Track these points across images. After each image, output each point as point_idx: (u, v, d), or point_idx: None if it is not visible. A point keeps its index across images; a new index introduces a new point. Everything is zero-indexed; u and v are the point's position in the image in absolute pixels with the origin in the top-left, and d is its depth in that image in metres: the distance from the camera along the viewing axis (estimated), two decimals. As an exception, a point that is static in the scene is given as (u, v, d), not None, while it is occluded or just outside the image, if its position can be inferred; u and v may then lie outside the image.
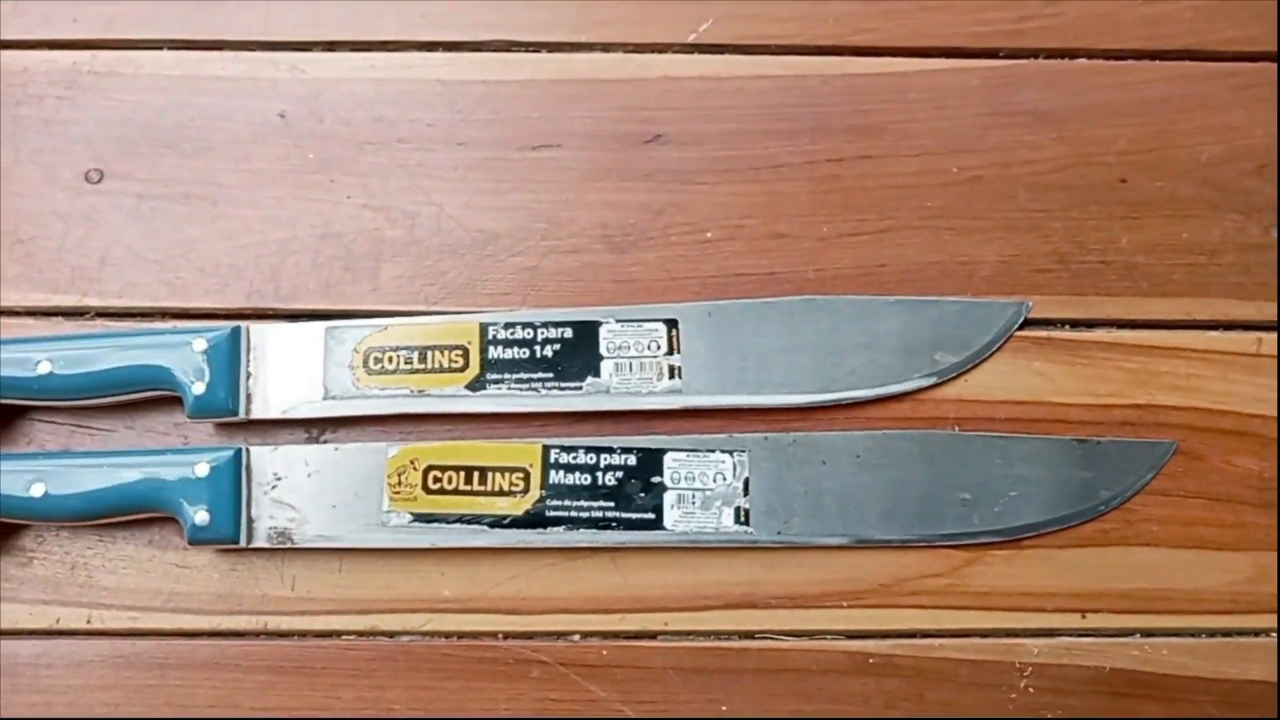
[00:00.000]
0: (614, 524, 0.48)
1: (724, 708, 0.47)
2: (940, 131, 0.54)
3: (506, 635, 0.48)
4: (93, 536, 0.49)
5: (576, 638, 0.48)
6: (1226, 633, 0.49)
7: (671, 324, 0.50)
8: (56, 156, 0.54)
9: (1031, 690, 0.48)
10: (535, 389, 0.49)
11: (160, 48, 0.55)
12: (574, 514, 0.48)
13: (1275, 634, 0.49)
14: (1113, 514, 0.50)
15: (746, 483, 0.48)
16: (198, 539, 0.46)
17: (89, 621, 0.48)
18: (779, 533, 0.48)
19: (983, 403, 0.51)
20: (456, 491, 0.48)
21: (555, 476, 0.48)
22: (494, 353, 0.50)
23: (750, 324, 0.50)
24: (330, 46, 0.55)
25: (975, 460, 0.49)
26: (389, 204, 0.53)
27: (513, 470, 0.48)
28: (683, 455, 0.48)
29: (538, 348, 0.50)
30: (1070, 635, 0.49)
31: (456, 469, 0.48)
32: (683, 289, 0.52)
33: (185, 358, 0.48)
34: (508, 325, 0.50)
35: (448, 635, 0.48)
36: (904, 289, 0.52)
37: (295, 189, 0.53)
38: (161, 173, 0.54)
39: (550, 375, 0.49)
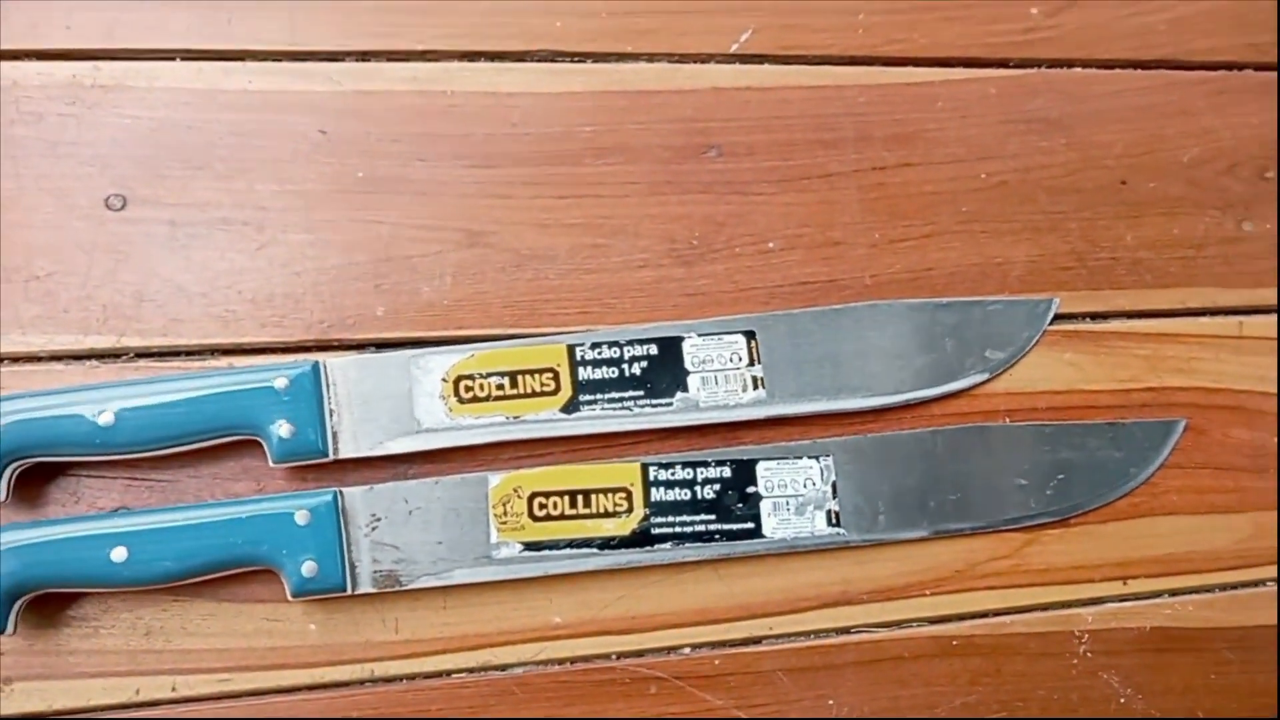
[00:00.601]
0: (717, 536, 0.49)
1: (830, 702, 0.50)
2: (967, 139, 0.57)
3: (620, 655, 0.49)
4: (167, 598, 0.46)
5: (687, 650, 0.49)
6: (1235, 585, 0.56)
7: (750, 335, 0.52)
8: (68, 182, 0.49)
9: (1089, 655, 0.53)
10: (628, 407, 0.50)
11: (172, 58, 0.51)
12: (678, 529, 0.49)
13: (1275, 583, 0.56)
14: (1140, 488, 0.55)
15: (834, 486, 0.51)
16: (305, 591, 0.44)
17: (174, 689, 0.45)
18: (868, 531, 0.51)
19: (1026, 394, 0.55)
20: (563, 517, 0.48)
21: (656, 494, 0.49)
22: (584, 374, 0.50)
23: (821, 331, 0.53)
24: (364, 56, 0.53)
25: (1027, 448, 0.54)
26: (449, 224, 0.51)
27: (615, 491, 0.49)
28: (773, 464, 0.50)
29: (625, 366, 0.50)
30: (1114, 601, 0.54)
31: (561, 494, 0.48)
32: (751, 299, 0.53)
33: (267, 399, 0.45)
34: (594, 345, 0.50)
35: (561, 662, 0.48)
36: (950, 290, 0.55)
37: (347, 210, 0.51)
38: (193, 197, 0.50)
39: (641, 393, 0.50)
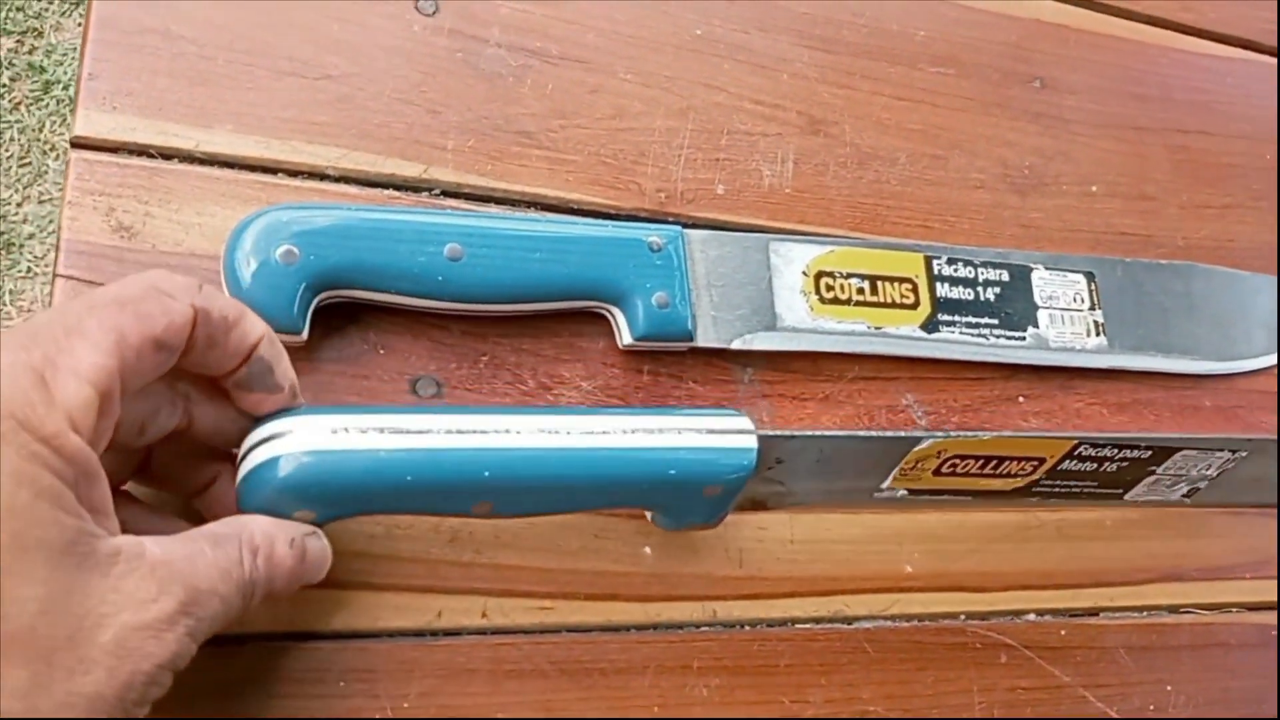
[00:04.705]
0: (1083, 494, 0.41)
1: (1169, 688, 0.43)
2: (1253, 119, 0.54)
3: (968, 616, 0.40)
4: (478, 496, 0.34)
5: (1033, 616, 0.41)
6: None
7: (1090, 277, 0.45)
8: (373, -30, 0.37)
9: (1381, 655, 0.48)
10: (984, 336, 0.42)
11: None
12: (1059, 490, 0.40)
13: None
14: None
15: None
16: (678, 527, 0.34)
17: (484, 615, 0.33)
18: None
19: (1311, 381, 0.50)
20: (968, 474, 0.39)
21: (1067, 465, 0.40)
22: (942, 290, 0.42)
23: (1152, 284, 0.47)
24: (696, -94, 0.43)
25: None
26: (789, 105, 0.43)
27: (1028, 459, 0.39)
28: (1192, 454, 0.43)
29: (979, 289, 0.42)
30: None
31: (977, 459, 0.38)
32: (1079, 241, 0.47)
33: (641, 258, 0.35)
34: (950, 261, 0.42)
35: (910, 618, 0.39)
36: (1249, 265, 0.51)
37: (683, 69, 0.42)
38: (512, 19, 0.39)
39: (996, 322, 0.42)
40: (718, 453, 0.32)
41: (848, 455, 0.36)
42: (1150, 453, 0.41)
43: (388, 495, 0.29)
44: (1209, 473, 0.43)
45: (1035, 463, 0.40)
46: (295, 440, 0.27)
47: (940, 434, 0.37)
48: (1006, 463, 0.39)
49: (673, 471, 0.31)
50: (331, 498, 0.28)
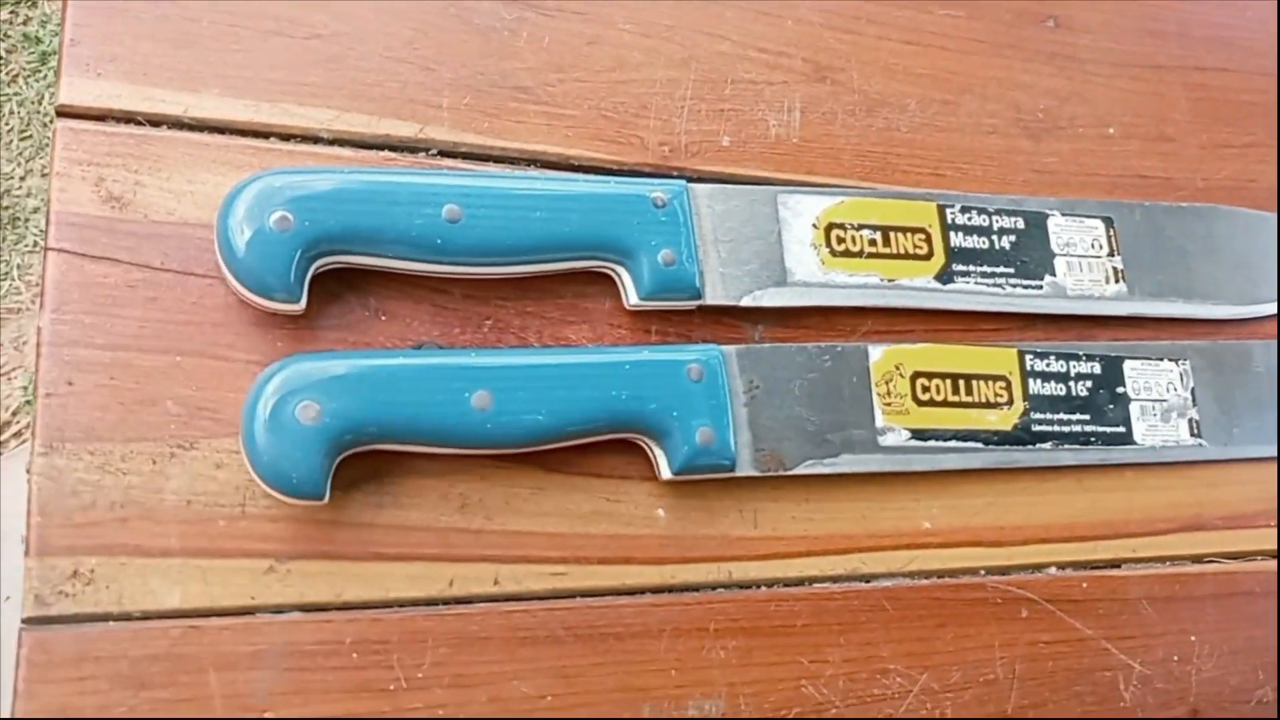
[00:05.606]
0: (1093, 439, 0.41)
1: (1192, 638, 0.42)
2: (1273, 54, 0.52)
3: (988, 571, 0.39)
4: (486, 463, 0.33)
5: (1053, 570, 0.40)
6: None
7: (1109, 222, 0.43)
8: (360, -78, 0.36)
9: None
10: (1000, 285, 0.41)
11: None
12: (1057, 428, 0.40)
13: None
14: None
15: (1194, 393, 0.43)
16: (691, 466, 0.33)
17: (496, 582, 0.33)
18: (1225, 445, 0.43)
19: (1337, 323, 0.49)
20: (946, 403, 0.38)
21: (1034, 386, 0.40)
22: (956, 240, 0.40)
23: (1173, 228, 0.45)
24: None
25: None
26: (794, 52, 0.41)
27: (995, 379, 0.39)
28: (1138, 364, 0.42)
29: (994, 237, 0.41)
30: None
31: (943, 376, 0.38)
32: (1095, 185, 0.46)
33: (644, 215, 0.34)
34: (964, 209, 0.41)
35: (929, 575, 0.38)
36: (1271, 206, 0.49)
37: (683, 17, 0.40)
38: (508, -30, 0.37)
39: (1011, 271, 0.41)
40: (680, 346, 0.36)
41: (815, 373, 0.37)
42: (1099, 366, 0.41)
43: (384, 376, 0.30)
44: (1181, 392, 0.43)
45: (1002, 383, 0.39)
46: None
47: (886, 344, 0.38)
48: (975, 383, 0.39)
49: (646, 352, 0.34)
50: (332, 381, 0.30)
